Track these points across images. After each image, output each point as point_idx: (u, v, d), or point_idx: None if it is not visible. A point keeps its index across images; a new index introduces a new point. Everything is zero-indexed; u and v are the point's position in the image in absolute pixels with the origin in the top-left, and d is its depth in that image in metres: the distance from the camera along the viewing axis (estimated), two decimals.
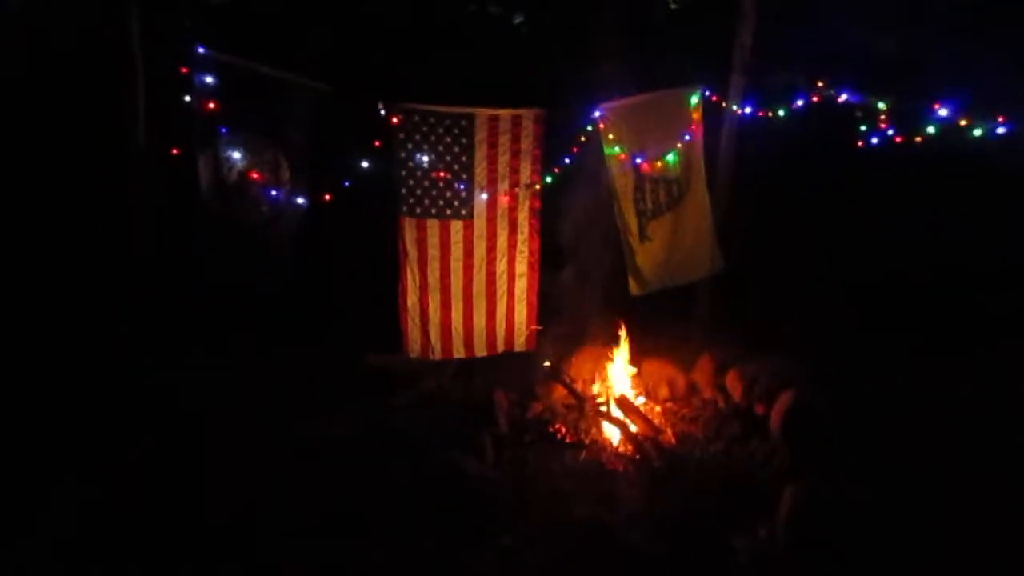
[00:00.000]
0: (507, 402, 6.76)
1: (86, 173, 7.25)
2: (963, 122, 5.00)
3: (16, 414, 5.91)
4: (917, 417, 5.65)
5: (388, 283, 7.00)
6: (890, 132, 5.78)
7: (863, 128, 6.03)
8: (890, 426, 5.58)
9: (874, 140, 5.91)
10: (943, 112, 5.09)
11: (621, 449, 6.40)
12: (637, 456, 6.16)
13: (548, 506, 5.45)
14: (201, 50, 6.18)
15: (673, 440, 6.42)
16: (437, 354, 7.16)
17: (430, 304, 7.07)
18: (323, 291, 7.62)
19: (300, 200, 6.68)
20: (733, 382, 6.76)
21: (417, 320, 7.08)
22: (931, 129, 5.24)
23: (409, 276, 6.99)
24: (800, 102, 6.55)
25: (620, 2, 9.06)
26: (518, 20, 10.96)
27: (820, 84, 6.29)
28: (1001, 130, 4.71)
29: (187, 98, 6.24)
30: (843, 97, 6.11)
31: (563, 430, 6.59)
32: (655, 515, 5.31)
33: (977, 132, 4.89)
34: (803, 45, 7.16)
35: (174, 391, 6.38)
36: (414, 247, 6.95)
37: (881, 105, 5.82)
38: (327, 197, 6.70)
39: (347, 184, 6.68)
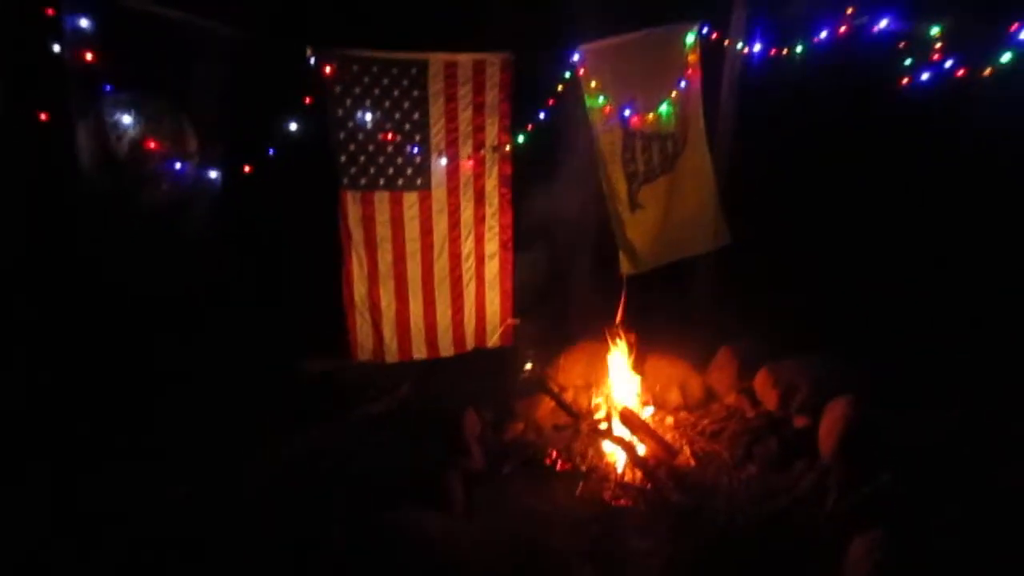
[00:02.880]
0: (480, 423, 5.50)
1: None
2: None
3: None
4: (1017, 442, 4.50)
5: (329, 272, 5.72)
6: (948, 64, 4.64)
7: (908, 62, 4.89)
8: (983, 453, 4.43)
9: (924, 76, 4.77)
10: None
11: (628, 478, 5.15)
12: (649, 486, 4.98)
13: (536, 571, 4.25)
14: None
15: (692, 462, 5.24)
16: (393, 356, 5.96)
17: (382, 296, 5.85)
18: (247, 286, 6.27)
19: (212, 175, 5.36)
20: (764, 386, 5.58)
21: (367, 316, 5.85)
22: (1007, 57, 4.11)
23: (355, 263, 5.75)
24: (823, 34, 5.40)
25: None
26: None
27: (849, 10, 5.14)
28: None
29: (56, 48, 4.85)
30: (882, 23, 4.96)
31: (553, 455, 5.36)
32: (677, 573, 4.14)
33: None
34: None
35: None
36: (359, 227, 5.71)
37: (935, 31, 4.68)
38: (246, 169, 5.39)
39: (271, 153, 5.38)
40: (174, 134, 5.25)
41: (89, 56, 4.86)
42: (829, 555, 3.93)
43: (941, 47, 4.90)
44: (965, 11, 4.93)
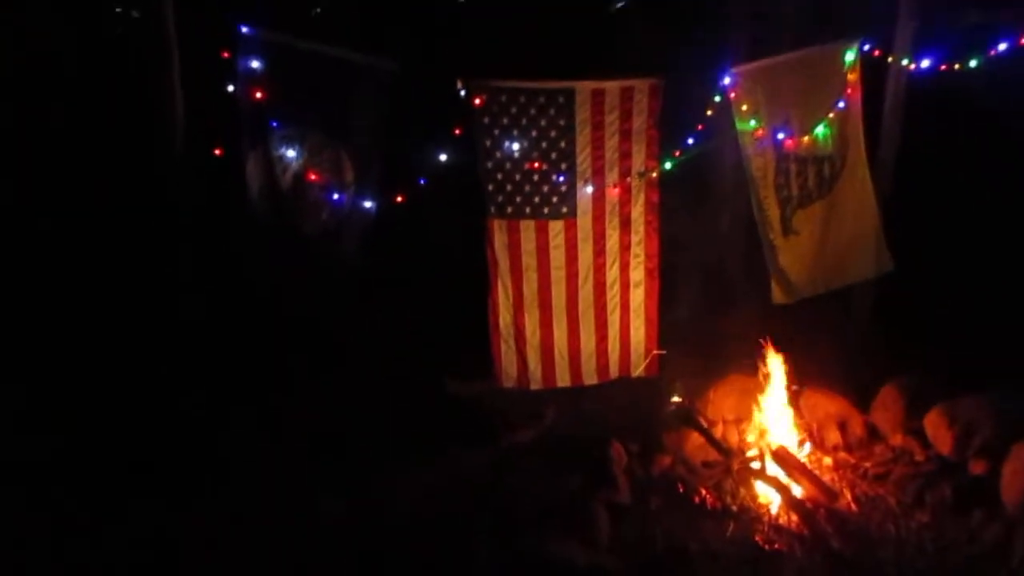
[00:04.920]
0: (626, 455, 5.37)
1: (113, 182, 6.27)
2: None
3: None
4: None
5: (476, 299, 5.80)
6: None
7: None
8: None
9: None
10: None
11: (783, 520, 4.85)
12: (806, 531, 4.67)
13: None
14: (245, 29, 5.13)
15: (854, 507, 4.88)
16: (537, 383, 5.96)
17: (527, 323, 5.87)
18: (396, 310, 6.45)
19: (367, 204, 5.57)
20: (937, 427, 5.11)
21: (512, 342, 5.89)
22: None
23: (500, 290, 5.81)
24: (1003, 46, 5.01)
25: None
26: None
27: None
28: None
29: (230, 88, 5.21)
30: None
31: (702, 492, 5.14)
32: None
33: None
34: None
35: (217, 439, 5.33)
36: (505, 254, 5.76)
37: None
38: (399, 199, 5.57)
39: (423, 182, 5.53)
40: (333, 166, 5.51)
41: (259, 94, 5.19)
42: None
43: None
44: None
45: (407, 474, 5.27)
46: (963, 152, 6.31)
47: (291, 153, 5.40)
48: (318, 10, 7.25)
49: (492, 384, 5.92)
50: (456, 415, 6.09)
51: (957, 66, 5.38)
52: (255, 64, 5.18)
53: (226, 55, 5.17)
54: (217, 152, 5.41)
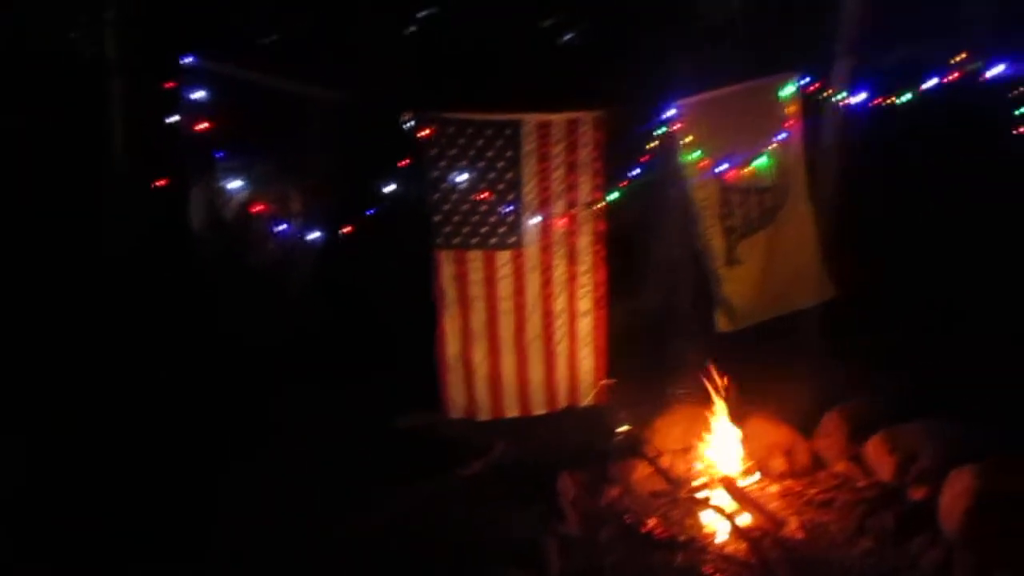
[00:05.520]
0: (574, 487, 5.36)
1: (52, 213, 6.17)
2: None
3: None
4: None
5: (424, 330, 5.77)
6: None
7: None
8: None
9: None
10: None
11: (730, 549, 4.87)
12: (753, 559, 4.69)
13: None
14: (189, 59, 5.10)
15: (800, 534, 4.93)
16: (485, 413, 5.91)
17: (475, 353, 5.83)
18: (344, 341, 6.40)
19: (315, 235, 5.53)
20: (878, 453, 5.21)
21: (460, 373, 5.84)
22: None
23: (448, 320, 5.78)
24: (932, 82, 5.18)
25: None
26: (568, 36, 9.69)
27: (961, 56, 4.91)
28: None
29: (175, 118, 5.16)
30: (996, 70, 4.71)
31: (650, 523, 5.14)
32: None
33: None
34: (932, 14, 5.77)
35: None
36: (452, 285, 5.74)
37: None
38: (347, 230, 5.54)
39: (371, 213, 5.52)
40: (279, 197, 5.48)
41: (203, 125, 5.16)
42: None
43: None
44: None
45: (356, 509, 5.21)
46: (902, 181, 6.51)
47: (235, 184, 5.35)
48: (267, 40, 7.26)
49: (440, 415, 5.87)
50: (405, 447, 6.05)
51: (891, 100, 5.56)
52: (199, 94, 5.15)
53: (170, 85, 5.14)
54: (161, 183, 5.36)
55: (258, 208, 5.37)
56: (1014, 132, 4.90)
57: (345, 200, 5.64)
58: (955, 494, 4.49)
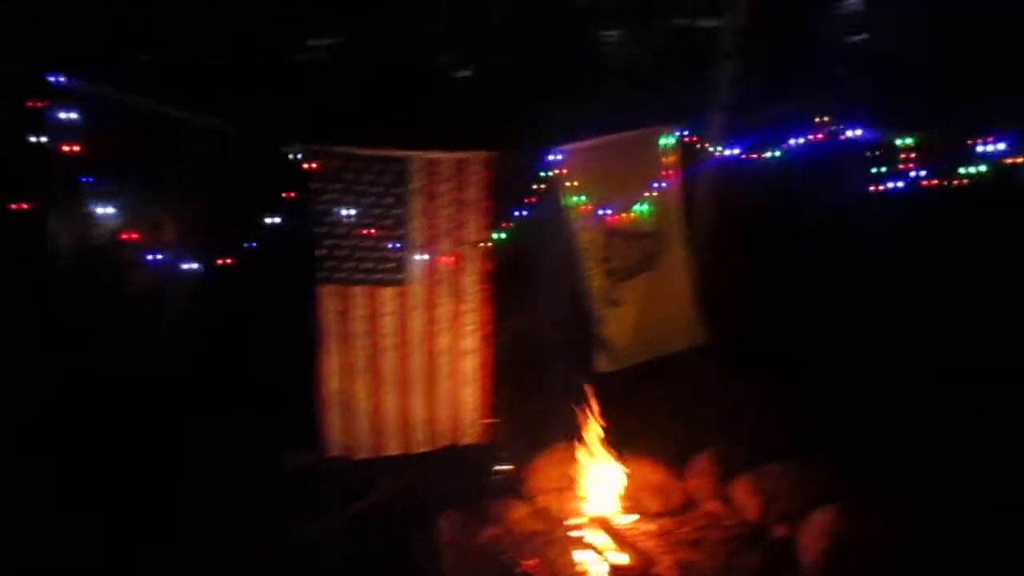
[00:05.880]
0: (453, 526, 5.32)
1: None
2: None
3: None
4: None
5: (306, 365, 5.64)
6: (919, 174, 4.74)
7: (880, 170, 5.00)
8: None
9: (897, 184, 4.87)
10: (997, 147, 4.06)
11: None
12: None
13: None
14: (58, 78, 4.87)
15: (672, 572, 5.02)
16: (365, 451, 5.82)
17: (356, 390, 5.75)
18: (222, 376, 6.17)
19: (191, 266, 5.34)
20: (744, 494, 5.43)
21: (340, 410, 5.73)
22: (980, 168, 4.21)
23: (329, 356, 5.68)
24: (797, 140, 5.53)
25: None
26: (463, 74, 9.83)
27: (824, 119, 5.28)
28: None
29: (42, 139, 4.90)
30: (853, 132, 5.09)
31: (527, 563, 5.15)
32: None
33: None
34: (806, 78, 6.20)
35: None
36: (335, 321, 5.66)
37: (905, 141, 4.80)
38: (226, 261, 5.37)
39: (252, 245, 5.37)
40: (152, 225, 5.28)
41: (74, 148, 4.91)
42: None
43: (912, 157, 5.03)
44: (934, 125, 5.09)
45: (236, 550, 5.01)
46: (770, 231, 6.89)
47: (106, 210, 5.12)
48: (149, 59, 7.03)
49: (320, 453, 5.73)
50: (283, 487, 5.86)
51: (761, 154, 5.90)
52: (68, 115, 4.91)
53: (37, 104, 4.88)
54: (24, 206, 5.07)
55: (130, 236, 5.14)
56: (870, 188, 5.26)
57: (225, 231, 5.47)
58: (813, 534, 4.75)
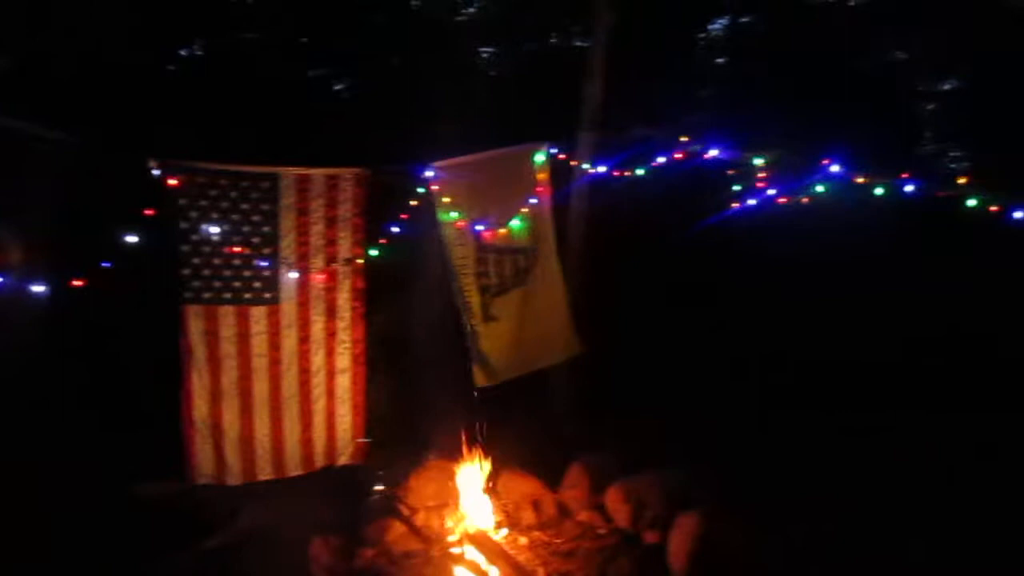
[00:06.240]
0: (327, 551, 5.19)
1: None
2: (860, 180, 4.30)
3: None
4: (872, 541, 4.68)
5: (169, 391, 5.39)
6: (771, 191, 5.04)
7: (737, 188, 5.29)
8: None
9: (751, 201, 5.16)
10: (835, 168, 4.37)
11: None
12: None
13: None
14: None
15: None
16: (235, 478, 5.58)
17: (225, 414, 5.53)
18: (79, 402, 5.81)
19: (36, 288, 4.98)
20: (616, 502, 5.57)
21: (208, 436, 5.49)
22: (821, 188, 4.53)
23: (196, 379, 5.44)
24: (662, 159, 5.77)
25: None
26: (339, 86, 9.68)
27: (685, 139, 5.53)
28: (910, 188, 4.01)
29: None
30: (712, 152, 5.35)
31: None
32: None
33: (879, 191, 4.19)
34: (675, 102, 6.49)
35: None
36: (202, 342, 5.43)
37: (758, 161, 5.09)
38: (77, 283, 5.06)
39: (107, 265, 5.08)
40: None
41: None
42: None
43: (765, 176, 5.34)
44: (785, 146, 5.43)
45: None
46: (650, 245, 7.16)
47: None
48: None
49: (186, 483, 5.47)
50: (146, 518, 5.56)
51: (628, 172, 6.11)
52: None
53: None
54: None
55: None
56: (732, 205, 5.55)
57: (78, 251, 5.16)
58: (680, 538, 4.94)
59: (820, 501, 5.37)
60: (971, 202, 4.11)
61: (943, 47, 9.53)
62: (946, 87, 9.89)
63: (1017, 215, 3.91)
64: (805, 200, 4.92)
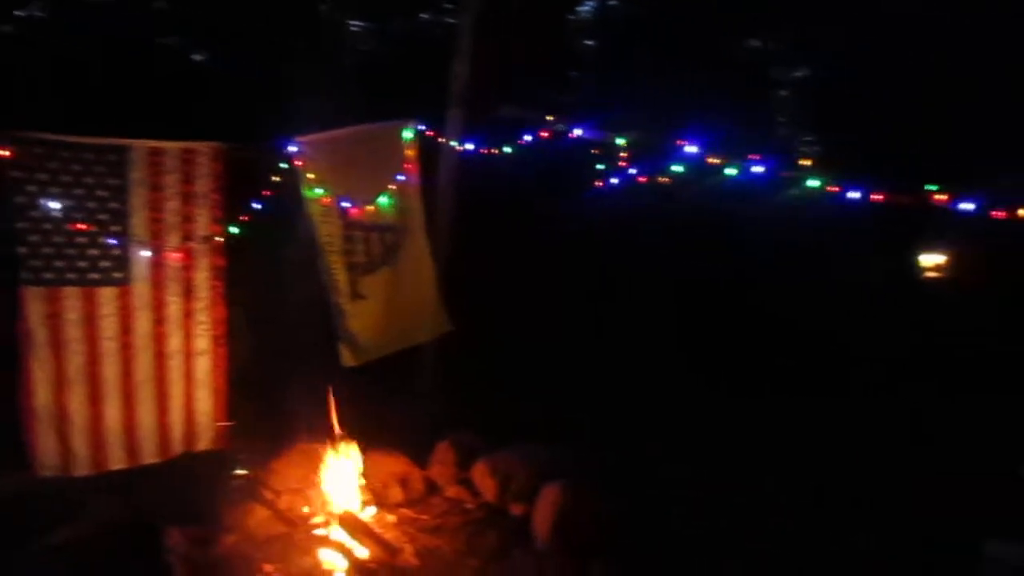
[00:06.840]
0: (185, 539, 4.98)
1: None
2: (714, 160, 4.47)
3: None
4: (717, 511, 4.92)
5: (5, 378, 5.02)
6: (632, 171, 5.19)
7: (601, 167, 5.41)
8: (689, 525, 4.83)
9: (614, 180, 5.29)
10: (691, 149, 4.53)
11: None
12: None
13: None
14: None
15: (414, 561, 5.07)
16: (84, 468, 5.24)
17: (71, 401, 5.18)
18: None
19: None
20: (482, 477, 5.63)
21: (51, 425, 5.14)
22: (678, 168, 4.68)
23: (37, 366, 5.07)
24: (528, 138, 5.83)
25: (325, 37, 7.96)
26: (199, 57, 9.20)
27: (550, 118, 5.61)
28: (759, 168, 4.21)
29: None
30: (576, 132, 5.45)
31: (267, 569, 4.95)
32: None
33: (731, 171, 4.37)
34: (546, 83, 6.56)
35: None
36: (43, 326, 5.07)
37: (620, 141, 5.22)
38: None
39: None
40: None
41: None
42: None
43: (627, 156, 5.49)
44: (646, 127, 5.60)
45: None
46: (508, 223, 7.22)
47: None
48: None
49: (27, 476, 5.12)
50: None
51: (496, 150, 6.14)
52: None
53: None
54: None
55: None
56: (595, 184, 5.68)
57: None
58: (544, 508, 5.08)
59: (679, 469, 5.65)
60: (813, 183, 4.35)
61: (803, 36, 10.08)
62: (800, 75, 10.47)
63: (851, 195, 4.16)
64: (664, 180, 5.09)
